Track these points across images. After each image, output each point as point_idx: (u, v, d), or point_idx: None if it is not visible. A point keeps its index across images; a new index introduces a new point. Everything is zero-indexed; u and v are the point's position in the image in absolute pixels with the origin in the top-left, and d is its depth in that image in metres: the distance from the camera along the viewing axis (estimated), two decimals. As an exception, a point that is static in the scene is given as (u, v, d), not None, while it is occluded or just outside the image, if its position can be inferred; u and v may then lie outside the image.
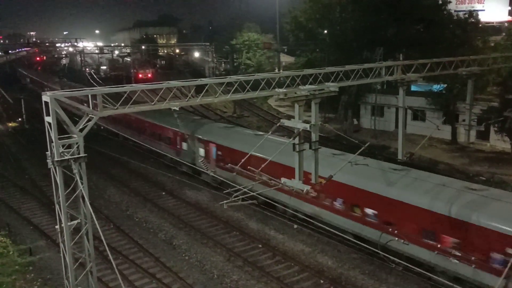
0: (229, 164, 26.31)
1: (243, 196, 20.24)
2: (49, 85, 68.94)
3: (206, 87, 16.18)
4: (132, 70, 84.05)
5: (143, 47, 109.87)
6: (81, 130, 12.97)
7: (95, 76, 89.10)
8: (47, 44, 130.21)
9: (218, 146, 29.28)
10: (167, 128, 34.92)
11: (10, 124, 56.15)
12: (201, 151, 30.84)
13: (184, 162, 31.88)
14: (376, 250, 18.90)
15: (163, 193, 30.69)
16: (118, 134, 43.13)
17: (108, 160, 37.89)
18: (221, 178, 27.12)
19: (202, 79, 16.49)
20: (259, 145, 20.44)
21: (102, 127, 46.09)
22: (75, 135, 12.91)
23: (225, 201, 19.89)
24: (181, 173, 33.30)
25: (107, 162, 37.37)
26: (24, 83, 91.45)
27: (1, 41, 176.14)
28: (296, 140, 16.67)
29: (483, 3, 64.66)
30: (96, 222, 13.15)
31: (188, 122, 34.37)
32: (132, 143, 39.94)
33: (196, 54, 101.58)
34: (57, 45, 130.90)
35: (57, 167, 12.70)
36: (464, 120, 29.67)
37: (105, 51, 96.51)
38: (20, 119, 56.27)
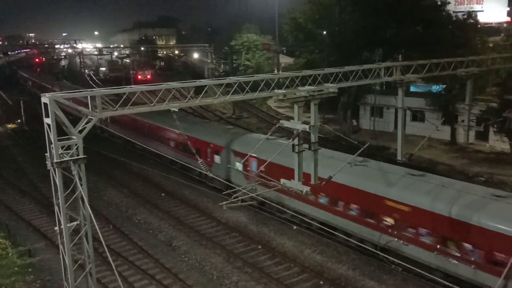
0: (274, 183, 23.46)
1: (242, 197, 20.24)
2: (54, 89, 68.52)
3: (206, 88, 16.19)
4: (131, 72, 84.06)
5: (142, 48, 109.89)
6: (80, 132, 12.99)
7: (94, 77, 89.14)
8: (46, 45, 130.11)
9: (260, 161, 24.96)
10: (195, 139, 30.86)
11: (9, 126, 56.14)
12: (238, 166, 27.80)
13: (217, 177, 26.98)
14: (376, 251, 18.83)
15: (163, 194, 30.67)
16: (135, 143, 39.09)
17: (108, 161, 37.85)
18: (260, 198, 24.21)
19: (201, 80, 16.51)
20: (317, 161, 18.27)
21: (112, 134, 43.59)
22: (74, 137, 12.92)
23: (224, 202, 19.89)
24: (212, 188, 29.69)
25: (106, 163, 37.33)
26: (25, 85, 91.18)
27: (0, 42, 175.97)
28: (296, 141, 16.68)
29: (481, 4, 64.80)
30: (95, 223, 13.14)
31: (221, 132, 31.68)
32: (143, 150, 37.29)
33: (195, 55, 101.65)
34: (56, 46, 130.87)
35: (56, 169, 12.70)
36: (463, 121, 29.69)
37: (104, 52, 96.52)
38: (19, 121, 56.27)
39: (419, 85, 40.66)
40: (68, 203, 13.20)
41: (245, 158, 25.65)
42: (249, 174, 26.84)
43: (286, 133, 19.06)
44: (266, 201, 19.42)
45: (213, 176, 27.82)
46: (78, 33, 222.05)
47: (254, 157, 25.51)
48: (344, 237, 21.35)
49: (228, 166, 28.71)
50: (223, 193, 23.01)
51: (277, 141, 26.58)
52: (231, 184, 25.16)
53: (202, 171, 30.20)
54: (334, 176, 17.73)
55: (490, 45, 39.50)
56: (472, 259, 17.20)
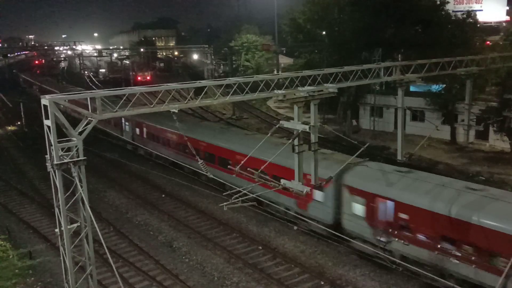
0: (428, 238, 17.53)
1: (243, 198, 20.21)
2: None
3: (205, 89, 16.21)
4: (131, 73, 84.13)
5: (141, 49, 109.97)
6: (80, 133, 12.99)
7: (94, 79, 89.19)
8: (45, 47, 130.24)
9: (400, 206, 18.46)
10: (280, 167, 22.37)
11: (9, 128, 56.18)
12: (358, 209, 20.29)
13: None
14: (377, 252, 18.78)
15: (163, 195, 30.66)
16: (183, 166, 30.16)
17: (108, 163, 37.86)
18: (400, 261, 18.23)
19: (201, 81, 16.50)
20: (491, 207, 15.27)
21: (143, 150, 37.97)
22: (74, 138, 12.92)
23: (225, 203, 19.88)
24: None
25: (106, 165, 37.33)
26: (24, 87, 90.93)
27: (0, 45, 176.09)
28: (296, 142, 16.69)
29: (481, 3, 64.92)
30: (95, 225, 13.14)
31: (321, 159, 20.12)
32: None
33: (195, 56, 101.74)
34: (56, 48, 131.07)
35: (56, 171, 12.71)
36: (463, 120, 29.74)
37: (104, 54, 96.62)
38: (19, 123, 56.31)
39: (419, 84, 40.65)
40: (68, 205, 13.20)
41: (373, 198, 19.42)
42: (375, 222, 19.72)
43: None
44: (409, 266, 15.59)
45: (213, 177, 27.28)
46: (77, 35, 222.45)
47: (387, 198, 18.97)
48: (348, 239, 19.04)
49: (339, 208, 21.22)
50: (223, 194, 23.00)
51: (424, 177, 19.64)
52: (340, 235, 18.49)
53: (202, 172, 30.06)
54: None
55: (490, 43, 39.51)
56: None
